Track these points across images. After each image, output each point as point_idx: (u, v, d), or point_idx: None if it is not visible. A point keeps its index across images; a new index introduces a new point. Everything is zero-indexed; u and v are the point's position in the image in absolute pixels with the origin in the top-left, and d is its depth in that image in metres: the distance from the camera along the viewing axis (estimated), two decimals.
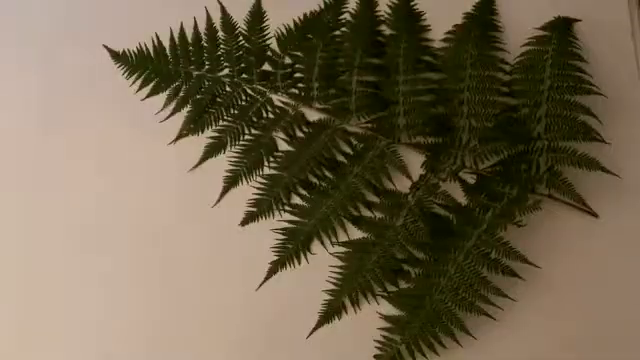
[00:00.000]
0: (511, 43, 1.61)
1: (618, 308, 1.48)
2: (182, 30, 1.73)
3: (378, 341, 1.47)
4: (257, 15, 1.72)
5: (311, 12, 1.68)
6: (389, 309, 1.50)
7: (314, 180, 1.61)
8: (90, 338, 1.62)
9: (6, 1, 1.89)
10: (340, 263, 1.55)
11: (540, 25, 1.60)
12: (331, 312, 1.53)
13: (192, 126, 1.70)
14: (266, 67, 1.69)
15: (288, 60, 1.68)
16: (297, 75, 1.68)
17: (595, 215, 1.52)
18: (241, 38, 1.71)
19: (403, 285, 1.51)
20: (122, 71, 1.76)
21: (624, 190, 1.53)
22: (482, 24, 1.61)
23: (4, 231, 1.71)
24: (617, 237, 1.51)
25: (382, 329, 1.48)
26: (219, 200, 1.65)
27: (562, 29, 1.58)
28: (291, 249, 1.58)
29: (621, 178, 1.52)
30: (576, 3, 1.63)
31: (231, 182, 1.65)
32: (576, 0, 1.63)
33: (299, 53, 1.68)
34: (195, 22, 1.73)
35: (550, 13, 1.62)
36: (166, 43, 1.74)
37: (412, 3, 1.66)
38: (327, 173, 1.60)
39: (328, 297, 1.53)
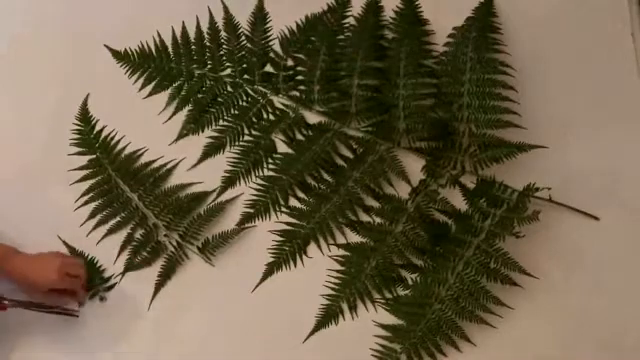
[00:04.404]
0: (512, 44, 1.52)
1: (619, 312, 1.40)
2: (184, 29, 1.64)
3: (377, 350, 1.40)
4: (260, 16, 1.63)
5: (313, 14, 1.59)
6: (387, 318, 1.42)
7: (313, 183, 1.52)
8: None
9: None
10: (338, 267, 1.46)
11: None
12: (328, 317, 1.44)
13: (192, 125, 1.61)
14: (268, 68, 1.60)
15: (290, 62, 1.59)
16: (299, 77, 1.58)
17: (596, 218, 1.44)
18: (244, 39, 1.63)
19: (402, 292, 1.43)
20: (124, 70, 1.66)
21: (624, 192, 1.46)
22: (481, 26, 1.52)
23: None
24: (617, 240, 1.43)
25: (381, 338, 1.40)
26: (215, 199, 1.55)
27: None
28: (288, 251, 1.49)
29: (618, 179, 1.46)
30: (576, 3, 1.57)
31: (229, 182, 1.56)
32: (576, 0, 1.57)
33: (301, 56, 1.59)
34: (198, 21, 1.64)
35: (549, 13, 1.56)
36: (168, 42, 1.65)
37: (418, 10, 1.56)
38: (326, 176, 1.52)
39: (326, 301, 1.45)
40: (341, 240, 1.48)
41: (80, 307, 1.49)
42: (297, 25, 1.59)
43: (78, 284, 1.45)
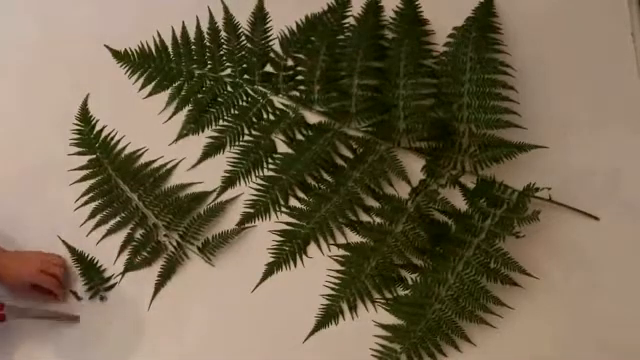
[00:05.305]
0: (512, 44, 1.52)
1: (619, 312, 1.39)
2: (184, 29, 1.64)
3: (377, 350, 1.39)
4: (260, 16, 1.62)
5: (313, 14, 1.59)
6: (387, 318, 1.41)
7: (313, 183, 1.52)
8: None
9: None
10: (338, 267, 1.46)
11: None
12: (328, 317, 1.43)
13: (192, 125, 1.60)
14: (268, 68, 1.60)
15: (290, 62, 1.59)
16: (299, 77, 1.58)
17: (596, 218, 1.43)
18: (244, 39, 1.62)
19: (402, 292, 1.42)
20: (124, 70, 1.66)
21: (624, 192, 1.45)
22: (481, 26, 1.51)
23: None
24: (617, 240, 1.42)
25: (381, 338, 1.40)
26: (215, 199, 1.55)
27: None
28: (288, 251, 1.49)
29: (618, 179, 1.45)
30: (576, 3, 1.56)
31: (229, 182, 1.55)
32: (576, 0, 1.56)
33: (301, 56, 1.58)
34: (198, 21, 1.64)
35: (549, 13, 1.56)
36: (168, 42, 1.65)
37: (418, 10, 1.56)
38: (326, 176, 1.51)
39: (326, 301, 1.44)
40: (341, 240, 1.47)
41: (79, 300, 1.51)
42: (297, 25, 1.58)
43: (54, 283, 1.46)
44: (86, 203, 1.56)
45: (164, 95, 1.62)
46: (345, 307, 1.42)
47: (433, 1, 1.56)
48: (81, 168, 1.58)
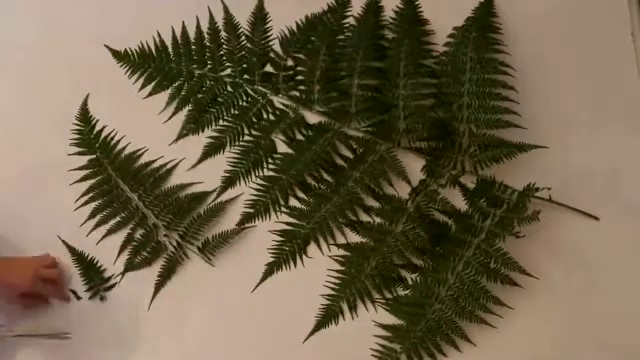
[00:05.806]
0: (512, 44, 1.51)
1: (619, 312, 1.38)
2: (184, 29, 1.64)
3: (377, 350, 1.39)
4: (260, 16, 1.62)
5: (313, 14, 1.58)
6: (387, 318, 1.41)
7: (313, 183, 1.52)
8: None
9: None
10: (338, 267, 1.46)
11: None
12: (328, 317, 1.44)
13: (192, 125, 1.60)
14: (268, 68, 1.60)
15: (290, 62, 1.58)
16: (299, 77, 1.58)
17: (596, 218, 1.43)
18: (244, 39, 1.62)
19: (402, 292, 1.42)
20: (124, 70, 1.66)
21: (624, 192, 1.44)
22: (481, 26, 1.50)
23: None
24: (618, 240, 1.42)
25: (381, 338, 1.40)
26: (215, 199, 1.55)
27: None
28: (288, 251, 1.49)
29: (618, 179, 1.45)
30: (576, 3, 1.55)
31: (229, 182, 1.56)
32: (576, 0, 1.55)
33: (301, 56, 1.58)
34: (198, 21, 1.64)
35: (549, 13, 1.55)
36: (168, 42, 1.65)
37: (418, 10, 1.55)
38: (326, 176, 1.51)
39: (326, 301, 1.44)
40: (341, 240, 1.47)
41: (79, 300, 1.51)
42: (297, 25, 1.58)
43: (52, 290, 1.46)
44: (86, 203, 1.56)
45: (164, 95, 1.62)
46: (345, 307, 1.42)
47: (433, 1, 1.55)
48: (81, 168, 1.58)
